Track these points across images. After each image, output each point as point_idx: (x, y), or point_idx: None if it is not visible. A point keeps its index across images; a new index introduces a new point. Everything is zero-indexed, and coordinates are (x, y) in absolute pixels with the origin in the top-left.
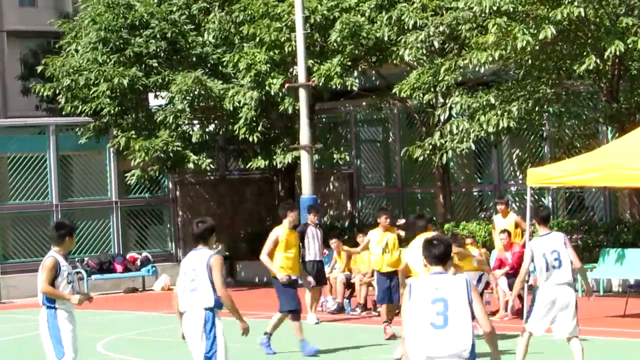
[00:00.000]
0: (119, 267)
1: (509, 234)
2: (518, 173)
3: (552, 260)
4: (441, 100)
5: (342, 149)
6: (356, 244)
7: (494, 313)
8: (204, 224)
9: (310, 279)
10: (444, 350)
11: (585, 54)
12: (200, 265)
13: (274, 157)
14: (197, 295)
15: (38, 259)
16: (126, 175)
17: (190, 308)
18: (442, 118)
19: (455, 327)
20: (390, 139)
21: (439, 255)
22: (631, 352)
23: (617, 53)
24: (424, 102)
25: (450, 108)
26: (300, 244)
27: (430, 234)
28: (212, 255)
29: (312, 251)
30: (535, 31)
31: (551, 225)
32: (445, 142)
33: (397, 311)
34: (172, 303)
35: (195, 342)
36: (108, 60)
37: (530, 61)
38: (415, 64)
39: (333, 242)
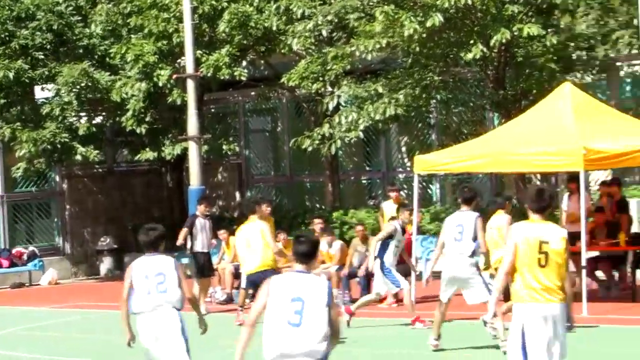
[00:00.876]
0: (4, 262)
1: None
2: (406, 160)
3: (457, 233)
4: (330, 89)
5: (230, 139)
6: None
7: (382, 300)
8: (154, 231)
9: None
10: (297, 348)
11: (472, 41)
12: (169, 269)
13: (163, 148)
14: (168, 296)
15: None
16: (12, 169)
17: (161, 309)
18: (330, 107)
19: (309, 327)
20: (279, 128)
21: (303, 253)
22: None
23: (503, 41)
24: (313, 91)
25: (339, 97)
26: (189, 235)
27: (501, 215)
28: (175, 260)
29: (200, 243)
30: (423, 19)
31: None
32: (334, 131)
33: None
34: (120, 307)
35: (171, 340)
36: None
37: (417, 49)
38: (303, 53)
39: (222, 233)
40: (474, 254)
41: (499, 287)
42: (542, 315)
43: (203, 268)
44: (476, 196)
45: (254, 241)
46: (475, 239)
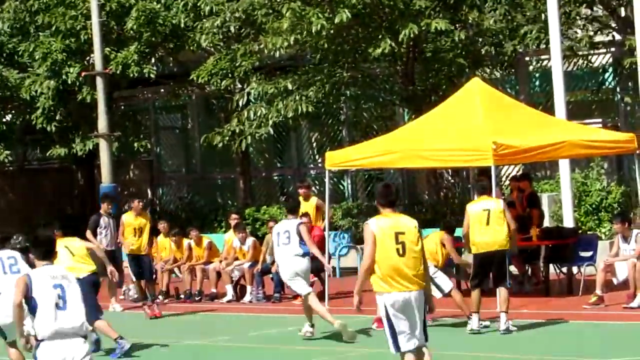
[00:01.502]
0: None
1: (310, 217)
2: (317, 157)
3: None
4: (239, 86)
5: (141, 136)
6: (158, 231)
7: (296, 297)
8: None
9: None
10: (68, 325)
11: (380, 37)
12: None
13: (73, 145)
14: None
15: None
16: None
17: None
18: (240, 104)
19: (72, 309)
20: (190, 125)
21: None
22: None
23: (412, 36)
24: (222, 88)
25: (249, 94)
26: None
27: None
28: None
29: (105, 241)
30: (331, 15)
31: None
32: (244, 128)
33: None
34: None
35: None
36: None
37: (326, 45)
38: (212, 50)
39: None
40: None
41: (360, 282)
42: (404, 302)
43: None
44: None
45: None
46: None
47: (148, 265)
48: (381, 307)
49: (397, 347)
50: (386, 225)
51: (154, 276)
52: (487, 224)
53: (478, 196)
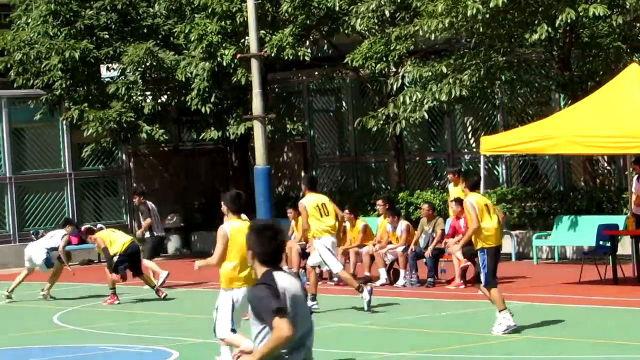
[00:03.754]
0: (74, 239)
1: (461, 202)
2: (472, 141)
3: None
4: (393, 69)
5: (295, 119)
6: None
7: (449, 282)
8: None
9: None
10: None
11: (536, 22)
12: None
13: (227, 128)
14: None
15: None
16: (81, 147)
17: None
18: (394, 87)
19: None
20: (343, 108)
21: None
22: (586, 319)
23: (569, 21)
24: (376, 71)
25: (403, 77)
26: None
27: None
28: None
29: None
30: None
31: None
32: (399, 112)
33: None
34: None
35: None
36: (59, 33)
37: (481, 29)
38: (367, 33)
39: (290, 212)
40: None
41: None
42: (244, 297)
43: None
44: None
45: None
46: None
47: None
48: (229, 299)
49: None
50: (238, 228)
51: None
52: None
53: (470, 191)
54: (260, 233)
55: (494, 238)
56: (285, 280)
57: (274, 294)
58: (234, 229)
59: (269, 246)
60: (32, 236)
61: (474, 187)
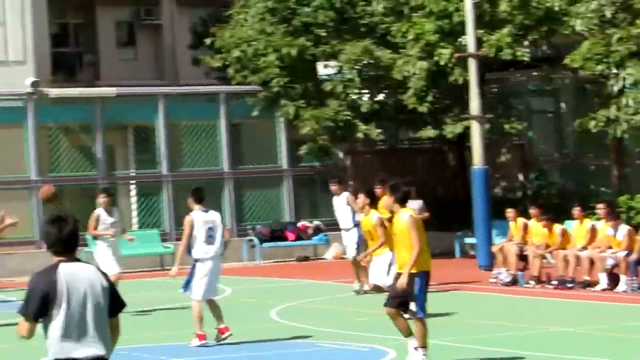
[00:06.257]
0: (290, 235)
1: None
2: None
3: None
4: (614, 71)
5: (512, 119)
6: (528, 216)
7: None
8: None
9: None
10: None
11: None
12: None
13: (444, 127)
14: None
15: None
16: (297, 144)
17: None
18: (615, 90)
19: None
20: (562, 110)
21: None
22: None
23: None
24: (596, 73)
25: (624, 79)
26: None
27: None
28: None
29: None
30: None
31: None
32: (620, 114)
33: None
34: None
35: None
36: (276, 31)
37: None
38: (586, 34)
39: (509, 212)
40: None
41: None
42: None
43: None
44: None
45: None
46: None
47: None
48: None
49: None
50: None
51: None
52: None
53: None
54: (50, 224)
55: None
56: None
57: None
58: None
59: (58, 236)
60: (249, 231)
61: None
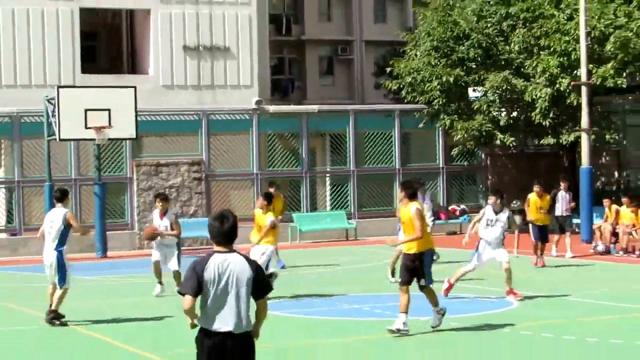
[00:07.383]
0: (442, 216)
1: None
2: None
3: None
4: None
5: (612, 132)
6: (620, 203)
7: None
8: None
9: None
10: None
11: None
12: None
13: (561, 136)
14: None
15: (384, 208)
16: (451, 148)
17: None
18: None
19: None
20: None
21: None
22: None
23: None
24: None
25: None
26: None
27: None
28: None
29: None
30: None
31: None
32: None
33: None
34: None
35: None
36: (438, 63)
37: None
38: None
39: (606, 201)
40: None
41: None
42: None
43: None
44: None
45: None
46: None
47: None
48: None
49: None
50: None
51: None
52: None
53: None
54: (214, 220)
55: None
56: None
57: None
58: None
59: (220, 230)
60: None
61: None
